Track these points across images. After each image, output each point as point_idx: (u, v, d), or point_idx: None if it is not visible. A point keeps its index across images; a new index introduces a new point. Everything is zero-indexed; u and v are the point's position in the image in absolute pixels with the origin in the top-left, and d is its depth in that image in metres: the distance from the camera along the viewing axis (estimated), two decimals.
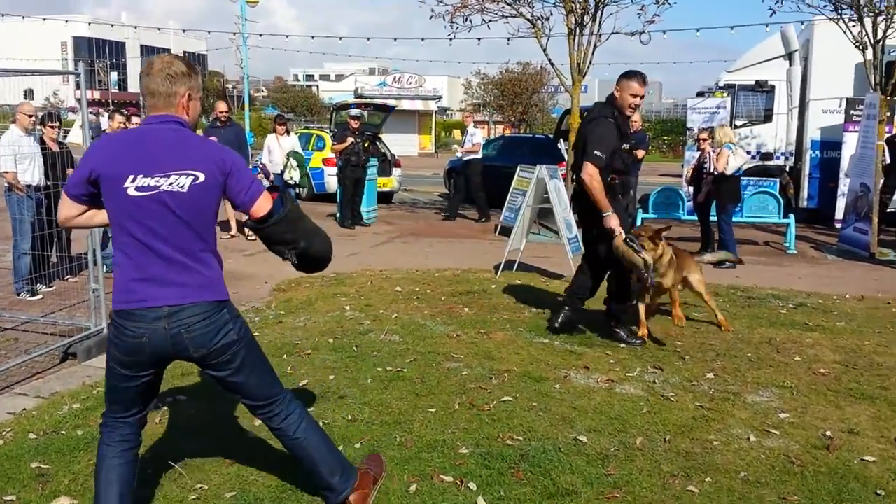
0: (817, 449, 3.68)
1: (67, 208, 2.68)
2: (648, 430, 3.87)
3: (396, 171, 16.25)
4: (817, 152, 13.43)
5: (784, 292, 7.45)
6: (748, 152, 12.90)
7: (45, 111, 7.89)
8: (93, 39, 71.38)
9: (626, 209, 6.88)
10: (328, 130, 16.32)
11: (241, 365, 2.72)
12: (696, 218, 9.90)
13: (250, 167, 11.88)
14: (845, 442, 3.76)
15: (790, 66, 13.89)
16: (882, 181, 10.34)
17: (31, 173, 6.76)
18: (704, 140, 9.51)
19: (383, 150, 15.71)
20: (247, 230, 8.42)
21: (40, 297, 6.84)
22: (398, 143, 28.15)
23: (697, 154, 10.04)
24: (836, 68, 12.72)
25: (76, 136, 15.25)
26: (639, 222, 10.22)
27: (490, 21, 12.45)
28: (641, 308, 5.53)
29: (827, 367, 4.99)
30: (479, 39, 15.45)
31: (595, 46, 11.59)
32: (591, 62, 11.61)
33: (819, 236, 12.04)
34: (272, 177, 11.00)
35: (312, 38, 47.28)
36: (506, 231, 8.61)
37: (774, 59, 14.02)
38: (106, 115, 22.79)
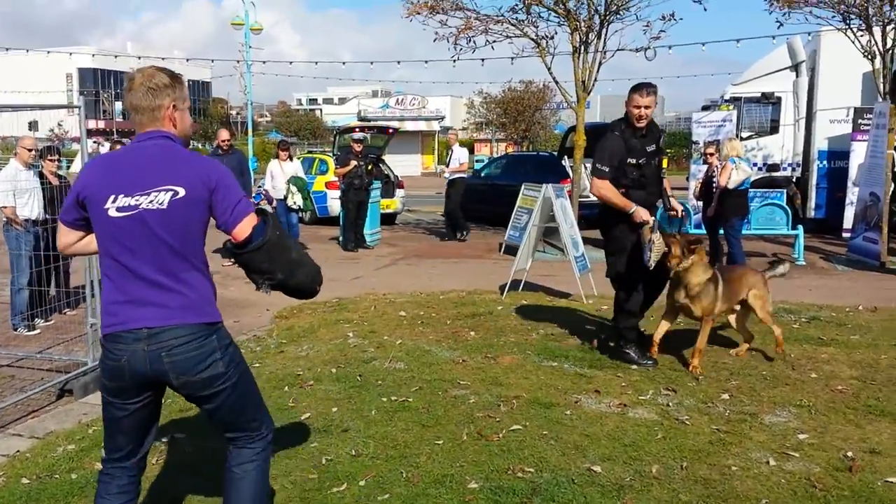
0: (839, 471, 3.55)
1: (64, 235, 2.65)
2: (664, 457, 3.73)
3: (400, 193, 16.20)
4: (824, 162, 13.36)
5: (795, 305, 7.30)
6: (753, 164, 12.81)
7: (45, 144, 7.84)
8: (97, 70, 72.29)
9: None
10: (331, 154, 16.31)
11: (225, 401, 2.57)
12: (703, 231, 9.77)
13: (253, 194, 11.86)
14: (867, 463, 3.63)
15: (797, 77, 13.87)
16: (892, 190, 10.23)
17: (31, 207, 6.72)
18: (711, 154, 9.39)
19: (386, 172, 15.68)
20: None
21: (38, 331, 6.75)
22: (401, 163, 28.23)
23: (704, 168, 9.92)
24: (843, 78, 12.71)
25: (79, 167, 15.24)
26: None
27: (494, 42, 12.40)
28: (662, 326, 5.38)
29: (844, 384, 4.85)
30: (482, 60, 15.40)
31: (600, 64, 11.52)
32: (595, 79, 11.55)
33: (828, 246, 11.90)
34: (275, 203, 10.96)
35: (316, 63, 47.36)
36: (510, 250, 8.50)
37: (781, 70, 14.00)
38: (107, 144, 22.88)
